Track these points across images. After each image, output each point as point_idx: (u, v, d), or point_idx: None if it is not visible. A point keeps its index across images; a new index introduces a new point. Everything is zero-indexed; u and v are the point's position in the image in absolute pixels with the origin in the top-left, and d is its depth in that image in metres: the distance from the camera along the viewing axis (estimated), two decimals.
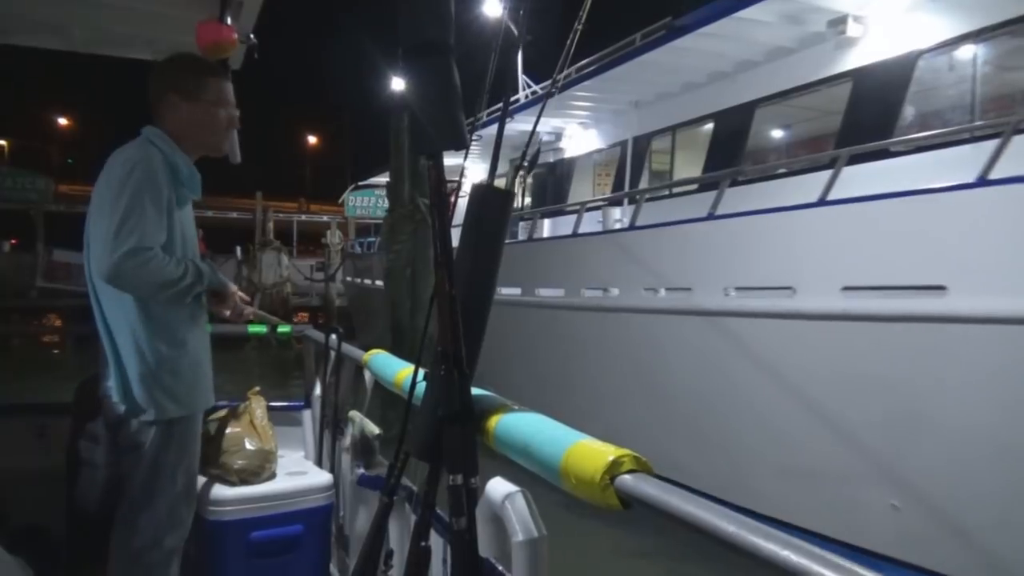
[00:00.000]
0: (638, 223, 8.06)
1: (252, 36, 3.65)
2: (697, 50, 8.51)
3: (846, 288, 5.53)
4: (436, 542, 1.76)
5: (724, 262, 6.72)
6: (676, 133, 10.30)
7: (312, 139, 54.08)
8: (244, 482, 2.80)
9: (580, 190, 12.66)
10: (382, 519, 1.86)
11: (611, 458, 1.10)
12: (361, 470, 2.71)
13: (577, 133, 12.85)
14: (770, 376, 6.11)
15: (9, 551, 2.16)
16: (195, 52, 3.50)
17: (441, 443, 1.49)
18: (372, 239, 21.22)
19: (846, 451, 5.59)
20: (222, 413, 3.04)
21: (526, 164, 2.19)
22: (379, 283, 15.77)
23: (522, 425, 1.41)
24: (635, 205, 8.05)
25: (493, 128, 11.48)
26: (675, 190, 9.55)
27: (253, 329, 4.09)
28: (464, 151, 1.59)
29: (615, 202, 10.39)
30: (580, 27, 2.21)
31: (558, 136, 13.15)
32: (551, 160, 13.33)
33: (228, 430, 2.89)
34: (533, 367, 9.75)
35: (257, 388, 3.23)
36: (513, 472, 1.52)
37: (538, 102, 11.59)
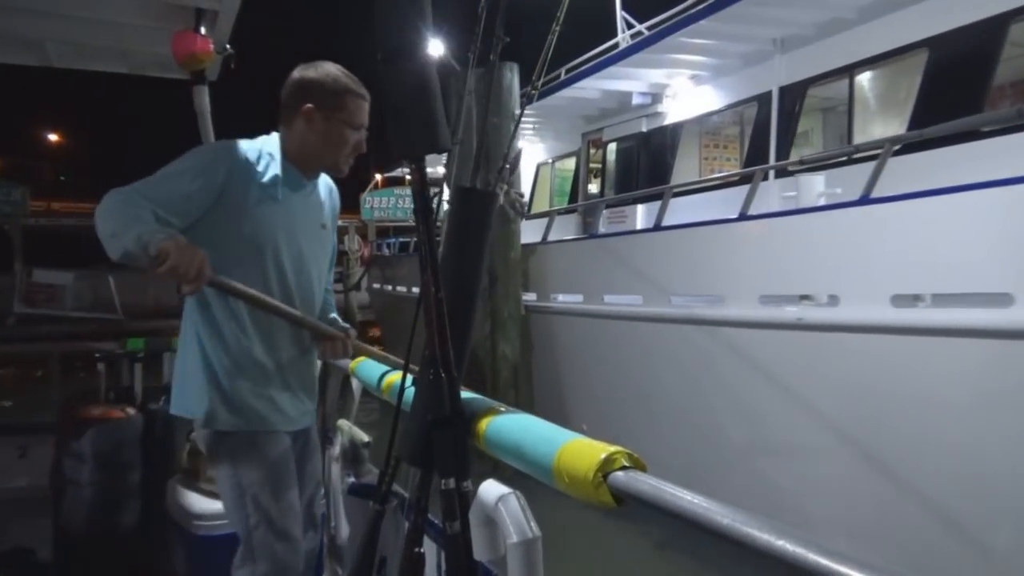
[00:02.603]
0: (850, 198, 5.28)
1: (228, 47, 3.63)
2: None
3: None
4: (429, 548, 1.75)
5: None
6: (854, 75, 7.18)
7: None
8: None
9: (684, 166, 9.61)
10: (374, 527, 1.85)
11: (604, 455, 1.10)
12: (351, 479, 2.69)
13: (685, 90, 9.52)
14: None
15: None
16: (172, 63, 3.50)
17: (432, 448, 1.49)
18: (404, 239, 18.72)
19: None
20: None
21: (507, 167, 2.19)
22: (416, 290, 13.49)
23: (513, 426, 1.41)
24: (877, 162, 5.16)
25: (554, 97, 10.17)
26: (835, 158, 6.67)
27: None
28: (446, 154, 1.59)
29: (746, 177, 7.39)
30: (558, 28, 2.22)
31: (655, 97, 9.94)
32: (643, 129, 10.15)
33: None
34: (675, 421, 6.70)
35: None
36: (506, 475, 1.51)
37: (633, 52, 8.86)
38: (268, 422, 2.12)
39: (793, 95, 7.73)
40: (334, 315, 2.42)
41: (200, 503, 2.74)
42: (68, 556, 2.99)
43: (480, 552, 1.38)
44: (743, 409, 5.93)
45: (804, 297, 5.53)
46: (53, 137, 46.19)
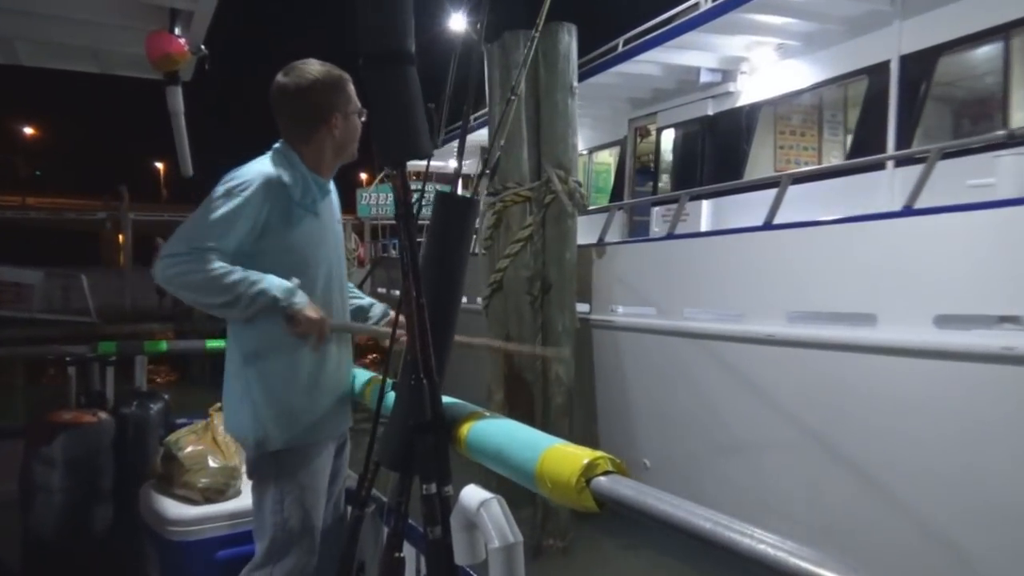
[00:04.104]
0: None
1: (203, 47, 3.59)
2: None
3: None
4: (409, 553, 1.75)
5: None
6: (1011, 36, 5.63)
7: None
8: (209, 500, 2.74)
9: (756, 156, 8.12)
10: (353, 532, 1.85)
11: (586, 460, 1.11)
12: None
13: (767, 64, 7.94)
14: None
15: None
16: (145, 64, 3.45)
17: (413, 452, 1.49)
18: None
19: None
20: (183, 431, 2.99)
21: (487, 172, 2.20)
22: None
23: (495, 431, 1.42)
24: None
25: (602, 75, 8.81)
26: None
27: (211, 344, 4.03)
28: (427, 159, 1.59)
29: (860, 166, 6.18)
30: (536, 35, 2.23)
31: (726, 74, 8.41)
32: (709, 112, 8.60)
33: (190, 448, 2.84)
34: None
35: (218, 404, 3.17)
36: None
37: (719, 14, 7.21)
38: (318, 434, 2.16)
39: (920, 65, 6.11)
40: (359, 297, 2.46)
41: (174, 508, 2.70)
42: (37, 563, 2.93)
43: (461, 557, 1.39)
44: (897, 466, 4.42)
45: (1007, 319, 4.12)
46: (28, 130, 44.98)
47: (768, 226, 5.49)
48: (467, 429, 1.47)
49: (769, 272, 5.37)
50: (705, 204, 8.03)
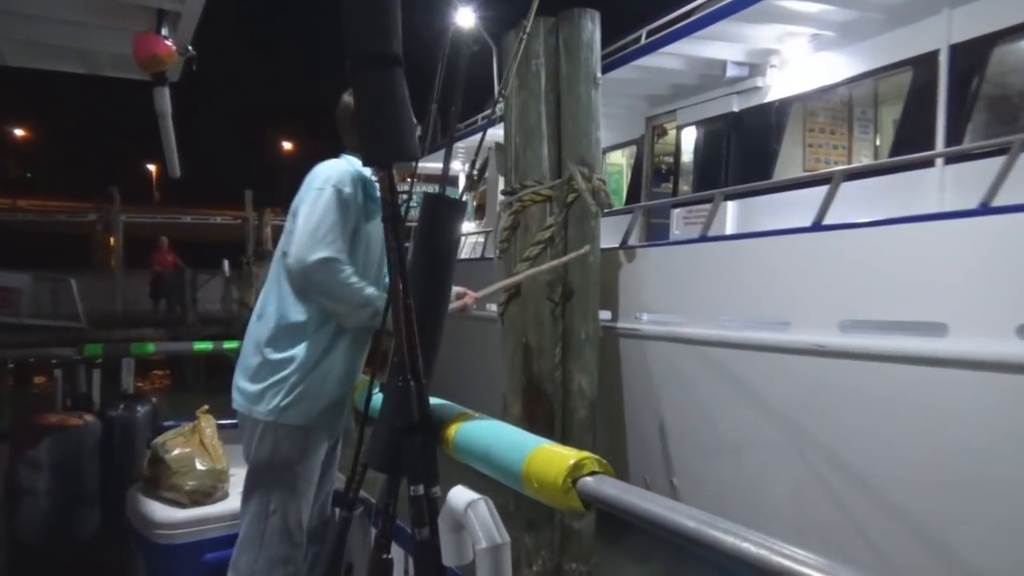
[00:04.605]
0: None
1: (191, 48, 3.58)
2: None
3: None
4: (397, 554, 1.75)
5: None
6: None
7: (288, 144, 47.30)
8: (196, 503, 2.74)
9: (785, 155, 7.49)
10: (341, 533, 1.84)
11: (572, 461, 1.11)
12: None
13: (800, 56, 7.30)
14: None
15: None
16: (132, 64, 3.44)
17: (400, 454, 1.49)
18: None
19: None
20: (170, 433, 2.97)
21: (475, 174, 2.20)
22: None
23: (482, 432, 1.42)
24: None
25: (619, 71, 8.06)
26: None
27: (199, 346, 4.03)
28: (415, 162, 1.60)
29: (907, 164, 5.61)
30: (524, 37, 2.23)
31: (753, 68, 7.79)
32: (735, 109, 7.99)
33: (177, 451, 2.83)
34: None
35: (206, 407, 3.16)
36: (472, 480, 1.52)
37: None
38: (324, 425, 2.25)
39: (972, 56, 5.59)
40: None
41: (162, 511, 2.69)
42: (23, 567, 2.92)
43: (449, 558, 1.38)
44: (977, 490, 4.01)
45: None
46: (19, 132, 44.53)
47: (818, 227, 5.04)
48: (455, 430, 1.47)
49: (819, 277, 4.93)
50: (731, 205, 7.50)
